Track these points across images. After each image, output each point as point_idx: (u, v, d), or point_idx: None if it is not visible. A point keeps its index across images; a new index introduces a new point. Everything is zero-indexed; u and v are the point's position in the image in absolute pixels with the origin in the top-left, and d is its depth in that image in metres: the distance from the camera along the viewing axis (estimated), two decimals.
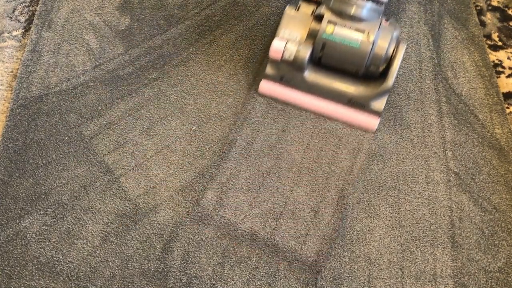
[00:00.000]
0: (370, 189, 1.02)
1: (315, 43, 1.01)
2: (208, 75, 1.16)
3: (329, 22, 1.00)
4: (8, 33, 1.19)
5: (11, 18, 1.22)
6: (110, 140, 1.04)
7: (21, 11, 1.23)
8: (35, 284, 0.87)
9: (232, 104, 1.12)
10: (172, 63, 1.17)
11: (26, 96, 1.08)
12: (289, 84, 1.08)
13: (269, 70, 1.08)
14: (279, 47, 1.02)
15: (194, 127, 1.08)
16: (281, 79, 1.07)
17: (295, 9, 1.05)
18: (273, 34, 1.22)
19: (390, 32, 1.00)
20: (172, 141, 1.05)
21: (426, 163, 1.06)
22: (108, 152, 1.03)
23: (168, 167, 1.02)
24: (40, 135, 1.03)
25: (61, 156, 1.01)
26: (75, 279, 0.88)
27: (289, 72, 1.05)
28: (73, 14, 1.22)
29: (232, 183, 1.01)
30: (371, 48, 0.99)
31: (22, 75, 1.11)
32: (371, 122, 1.06)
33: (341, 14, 1.00)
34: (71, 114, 1.07)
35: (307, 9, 1.04)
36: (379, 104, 1.04)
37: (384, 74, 1.02)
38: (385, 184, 1.03)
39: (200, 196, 0.99)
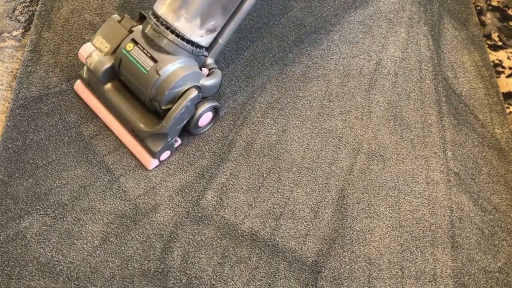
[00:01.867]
0: (370, 189, 1.02)
1: (115, 56, 0.99)
2: None
3: (133, 40, 0.97)
4: (8, 33, 1.19)
5: (11, 18, 1.22)
6: (110, 140, 1.04)
7: (21, 11, 1.23)
8: (35, 284, 0.87)
9: (232, 104, 1.11)
10: None
11: (26, 96, 1.08)
12: (94, 92, 1.05)
13: (82, 71, 1.05)
14: (85, 52, 1.00)
15: None
16: (89, 85, 1.05)
17: (118, 20, 1.01)
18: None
19: (188, 72, 0.95)
20: None
21: (426, 163, 1.06)
22: (108, 152, 1.03)
23: (168, 167, 1.02)
24: (40, 135, 1.03)
25: (61, 156, 1.01)
26: (75, 279, 0.88)
27: (94, 80, 1.02)
28: (73, 14, 1.22)
29: (232, 183, 1.01)
30: (156, 80, 0.94)
31: (22, 75, 1.11)
32: (147, 160, 1.00)
33: (146, 38, 0.96)
34: (71, 114, 1.07)
35: (128, 23, 1.00)
36: (156, 145, 0.98)
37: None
38: (385, 184, 1.03)
39: (200, 196, 0.99)
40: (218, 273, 0.91)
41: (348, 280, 0.92)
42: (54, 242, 0.91)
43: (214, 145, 1.05)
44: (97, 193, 0.97)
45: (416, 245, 0.96)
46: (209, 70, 1.03)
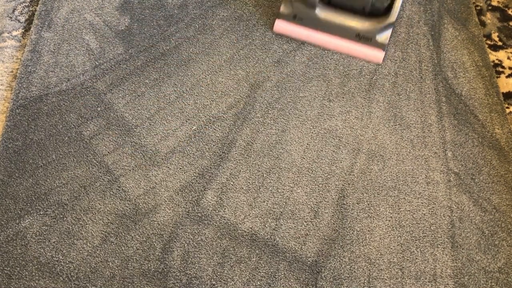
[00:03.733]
0: (370, 189, 1.02)
1: None
2: (208, 75, 1.15)
3: None
4: (8, 33, 1.19)
5: (11, 18, 1.22)
6: (110, 140, 1.04)
7: (21, 11, 1.23)
8: (35, 284, 0.87)
9: (232, 104, 1.11)
10: (172, 63, 1.16)
11: (26, 96, 1.08)
12: (301, 22, 1.15)
13: (283, 9, 1.15)
14: None
15: (194, 127, 1.08)
16: (294, 18, 1.15)
17: None
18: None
19: None
20: (172, 141, 1.05)
21: (426, 163, 1.06)
22: (108, 152, 1.03)
23: (168, 167, 1.02)
24: (40, 135, 1.03)
25: (61, 156, 1.01)
26: (75, 279, 0.88)
27: (302, 10, 1.13)
28: (73, 14, 1.22)
29: (232, 183, 1.01)
30: None
31: (22, 75, 1.11)
32: (377, 54, 1.15)
33: None
34: (71, 114, 1.07)
35: None
36: (384, 37, 1.13)
37: (388, 10, 1.11)
38: (385, 184, 1.03)
39: (200, 196, 0.99)
40: (218, 273, 0.91)
41: (348, 280, 0.92)
42: (54, 242, 0.91)
43: (214, 145, 1.05)
44: (97, 193, 0.97)
45: (416, 245, 0.96)
46: None
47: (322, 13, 1.14)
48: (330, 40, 1.17)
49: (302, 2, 1.12)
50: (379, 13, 1.13)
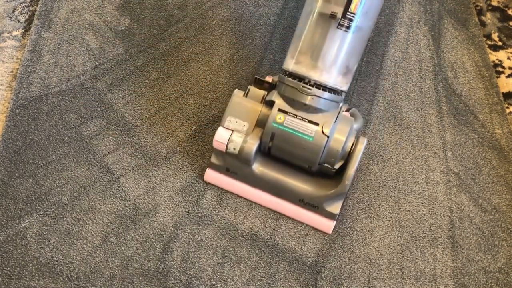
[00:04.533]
0: (370, 189, 1.02)
1: (263, 133, 0.91)
2: (208, 75, 1.15)
3: (280, 110, 0.89)
4: (8, 33, 1.19)
5: (11, 18, 1.22)
6: (110, 140, 1.04)
7: (21, 11, 1.23)
8: (35, 284, 0.87)
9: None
10: (172, 63, 1.16)
11: (26, 96, 1.08)
12: (236, 176, 0.96)
13: (214, 159, 0.97)
14: (223, 138, 0.91)
15: (194, 127, 1.08)
16: (227, 170, 0.96)
17: (244, 94, 0.95)
18: (271, 38, 1.22)
19: (349, 124, 0.91)
20: (172, 141, 1.05)
21: (426, 163, 1.06)
22: (108, 152, 1.03)
23: (168, 167, 1.02)
24: (40, 135, 1.03)
25: (61, 156, 1.01)
26: (75, 279, 0.88)
27: (235, 164, 0.94)
28: (73, 14, 1.22)
29: None
30: (326, 142, 0.88)
31: (22, 75, 1.11)
32: (325, 225, 0.95)
33: (294, 103, 0.89)
34: (71, 114, 1.07)
35: (257, 94, 0.94)
36: (334, 207, 0.93)
37: (341, 172, 0.91)
38: (385, 185, 1.03)
39: (200, 196, 0.99)
40: (218, 273, 0.91)
41: (348, 280, 0.92)
42: (54, 242, 0.91)
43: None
44: (97, 193, 0.97)
45: (416, 245, 0.96)
46: (347, 110, 0.96)
47: (260, 168, 0.94)
48: (270, 200, 0.96)
49: (234, 158, 0.93)
50: (329, 174, 0.93)
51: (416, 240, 0.97)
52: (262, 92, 0.95)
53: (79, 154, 1.02)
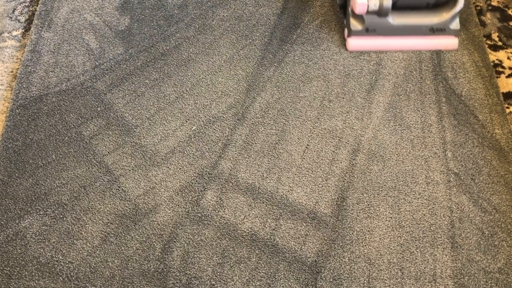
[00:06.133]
0: (370, 189, 1.02)
1: None
2: (208, 75, 1.15)
3: None
4: (8, 33, 1.19)
5: (11, 18, 1.22)
6: (110, 140, 1.04)
7: (21, 11, 1.23)
8: (35, 284, 0.87)
9: (232, 104, 1.11)
10: (172, 63, 1.16)
11: (26, 96, 1.08)
12: (375, 33, 1.16)
13: (355, 25, 1.15)
14: (363, 0, 1.09)
15: (194, 127, 1.08)
16: (367, 31, 1.15)
17: None
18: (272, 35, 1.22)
19: None
20: (172, 141, 1.05)
21: (426, 163, 1.06)
22: (108, 152, 1.03)
23: (168, 167, 1.02)
24: (40, 135, 1.03)
25: (61, 156, 1.01)
26: (75, 279, 0.88)
27: (374, 21, 1.14)
28: (73, 14, 1.22)
29: (232, 183, 1.01)
30: None
31: (22, 75, 1.11)
32: (453, 42, 1.20)
33: None
34: (71, 114, 1.07)
35: None
36: (456, 24, 1.17)
37: None
38: (385, 185, 1.03)
39: (200, 197, 0.99)
40: (218, 273, 0.91)
41: (348, 281, 0.92)
42: (53, 242, 0.91)
43: (214, 145, 1.05)
44: (97, 193, 0.97)
45: (416, 245, 0.96)
46: None
47: (394, 19, 1.15)
48: (405, 42, 1.19)
49: (374, 14, 1.13)
50: (441, 3, 1.15)
51: (416, 240, 0.97)
52: None
53: (79, 154, 1.02)
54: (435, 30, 1.17)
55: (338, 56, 1.20)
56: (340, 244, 0.95)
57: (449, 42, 1.20)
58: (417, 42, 1.20)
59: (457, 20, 1.18)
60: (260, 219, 0.97)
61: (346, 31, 1.19)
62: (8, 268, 0.88)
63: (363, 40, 1.18)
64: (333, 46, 1.22)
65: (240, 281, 0.90)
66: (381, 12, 1.11)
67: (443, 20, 1.16)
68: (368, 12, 1.11)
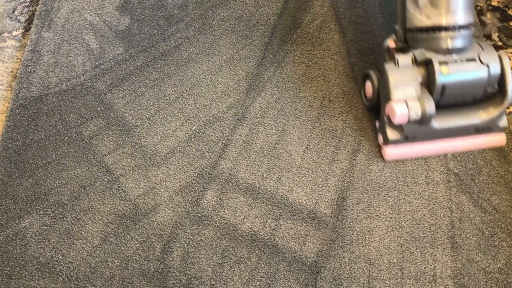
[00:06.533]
0: (370, 189, 1.02)
1: (434, 90, 0.96)
2: (208, 75, 1.16)
3: (441, 63, 0.95)
4: (8, 33, 1.19)
5: (11, 18, 1.22)
6: (110, 140, 1.04)
7: (21, 11, 1.23)
8: (35, 284, 0.87)
9: (232, 104, 1.12)
10: (173, 63, 1.17)
11: (26, 96, 1.08)
12: (415, 139, 1.03)
13: (392, 135, 1.01)
14: (403, 110, 0.95)
15: (194, 127, 1.08)
16: (406, 139, 1.02)
17: (395, 64, 1.00)
18: (272, 35, 1.22)
19: (490, 45, 1.00)
20: (172, 141, 1.05)
21: (426, 163, 1.06)
22: (108, 152, 1.03)
23: (168, 167, 1.02)
24: (40, 135, 1.03)
25: (60, 156, 1.01)
26: (75, 279, 0.88)
27: (414, 129, 1.00)
28: (73, 14, 1.22)
29: (232, 183, 1.01)
30: (488, 71, 0.96)
31: (22, 75, 1.11)
32: (501, 139, 1.06)
33: (443, 51, 0.97)
34: (71, 114, 1.07)
35: (406, 59, 0.99)
36: (504, 120, 1.03)
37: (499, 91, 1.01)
38: (385, 185, 1.03)
39: (200, 197, 0.99)
40: (218, 273, 0.91)
41: (348, 281, 0.92)
42: (53, 242, 0.91)
43: (214, 145, 1.05)
44: (97, 193, 0.97)
45: (416, 245, 0.96)
46: None
47: (438, 122, 1.00)
48: (449, 145, 1.05)
49: (414, 123, 0.98)
50: (487, 97, 1.02)
51: (416, 241, 0.97)
52: (409, 56, 0.99)
53: (79, 154, 1.02)
54: (480, 130, 1.03)
55: (338, 56, 1.20)
56: (340, 244, 0.95)
57: (497, 140, 1.06)
58: (462, 144, 1.05)
59: (504, 118, 1.03)
60: (260, 219, 0.97)
61: (380, 137, 1.05)
62: (8, 268, 0.88)
63: (402, 148, 1.04)
64: (333, 46, 1.22)
65: (240, 281, 0.90)
66: (424, 120, 0.97)
67: (491, 118, 1.01)
68: (409, 122, 0.97)
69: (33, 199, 0.96)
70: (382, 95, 1.02)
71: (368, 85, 1.08)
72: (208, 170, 1.02)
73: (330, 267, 0.93)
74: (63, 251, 0.91)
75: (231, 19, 1.25)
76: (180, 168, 1.02)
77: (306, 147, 1.06)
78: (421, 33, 0.98)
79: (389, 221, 0.99)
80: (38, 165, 1.00)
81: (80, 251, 0.91)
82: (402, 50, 1.02)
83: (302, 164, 1.04)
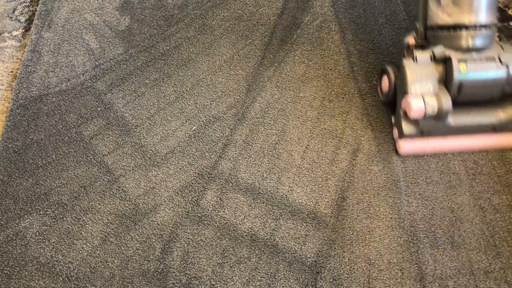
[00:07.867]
0: (370, 189, 1.02)
1: (451, 87, 0.96)
2: (208, 75, 1.16)
3: (459, 61, 0.96)
4: (8, 33, 1.19)
5: (11, 18, 1.22)
6: (110, 140, 1.04)
7: (21, 11, 1.23)
8: (35, 284, 0.87)
9: (232, 104, 1.12)
10: (173, 64, 1.17)
11: (26, 96, 1.08)
12: (430, 135, 1.02)
13: (407, 129, 1.01)
14: (419, 105, 0.95)
15: (194, 127, 1.08)
16: (421, 134, 1.02)
17: (413, 60, 1.00)
18: (272, 35, 1.22)
19: (510, 47, 0.99)
20: (172, 141, 1.05)
21: (426, 163, 1.06)
22: (108, 152, 1.03)
23: (168, 167, 1.02)
24: (40, 135, 1.03)
25: (60, 156, 1.01)
26: (75, 279, 0.88)
27: (430, 124, 1.00)
28: (73, 14, 1.22)
29: (232, 183, 1.01)
30: (507, 72, 0.96)
31: (22, 75, 1.11)
32: None
33: (463, 50, 0.97)
34: (71, 114, 1.07)
35: (424, 56, 0.99)
36: None
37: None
38: (385, 185, 1.03)
39: (200, 197, 0.99)
40: (218, 273, 0.91)
41: (348, 281, 0.92)
42: (53, 242, 0.91)
43: (214, 145, 1.05)
44: (97, 193, 0.97)
45: (416, 245, 0.96)
46: None
47: (454, 119, 1.00)
48: (465, 142, 1.04)
49: (430, 119, 0.99)
50: (505, 97, 1.01)
51: (416, 241, 0.97)
52: (427, 52, 0.99)
53: (79, 154, 1.02)
54: (497, 129, 1.03)
55: (338, 56, 1.20)
56: (340, 244, 0.95)
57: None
58: (478, 142, 1.05)
59: None
60: (260, 219, 0.97)
61: (396, 131, 1.05)
62: (8, 268, 0.88)
63: (416, 143, 1.03)
64: (333, 46, 1.22)
65: (240, 281, 0.90)
66: (440, 116, 0.97)
67: (509, 118, 1.01)
68: (425, 117, 0.98)
69: (33, 199, 0.96)
70: (399, 90, 1.02)
71: (385, 80, 1.08)
72: (208, 170, 1.02)
73: (330, 267, 0.93)
74: (63, 251, 0.91)
75: (231, 19, 1.25)
76: (180, 168, 1.02)
77: (306, 147, 1.06)
78: (441, 31, 0.98)
79: (389, 221, 0.99)
80: (38, 165, 1.00)
81: (80, 251, 0.91)
82: (422, 47, 1.02)
83: (302, 164, 1.04)
